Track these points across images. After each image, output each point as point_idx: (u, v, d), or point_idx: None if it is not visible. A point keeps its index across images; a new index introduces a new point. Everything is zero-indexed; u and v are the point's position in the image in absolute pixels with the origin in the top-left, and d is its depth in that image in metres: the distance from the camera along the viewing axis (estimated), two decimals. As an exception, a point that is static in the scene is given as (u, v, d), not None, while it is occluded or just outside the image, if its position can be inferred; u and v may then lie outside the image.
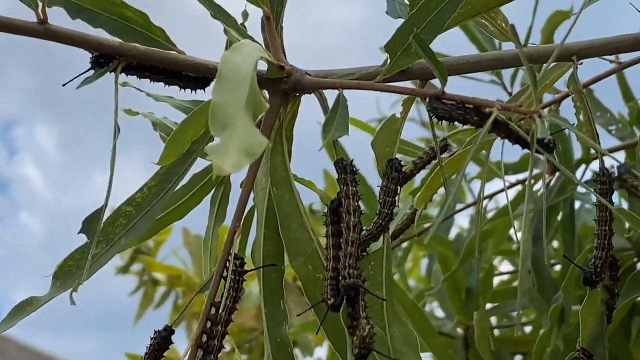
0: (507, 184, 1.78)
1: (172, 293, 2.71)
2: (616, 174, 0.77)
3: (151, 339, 0.88)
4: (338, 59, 0.85)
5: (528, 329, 1.97)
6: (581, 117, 1.01)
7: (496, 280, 2.17)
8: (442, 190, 2.02)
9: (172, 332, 0.88)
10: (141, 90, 0.97)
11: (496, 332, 1.90)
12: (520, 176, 1.79)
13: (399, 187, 0.92)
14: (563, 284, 1.34)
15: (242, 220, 0.94)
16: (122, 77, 0.86)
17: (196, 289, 0.95)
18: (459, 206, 1.87)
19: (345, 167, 0.85)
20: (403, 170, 1.19)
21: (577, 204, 1.62)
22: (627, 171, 0.72)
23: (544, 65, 0.84)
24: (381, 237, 0.93)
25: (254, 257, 0.93)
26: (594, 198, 1.55)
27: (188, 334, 2.35)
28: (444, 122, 0.82)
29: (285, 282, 1.48)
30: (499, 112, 0.78)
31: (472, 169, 2.46)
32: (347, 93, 0.87)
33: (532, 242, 1.56)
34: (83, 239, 0.88)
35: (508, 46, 1.14)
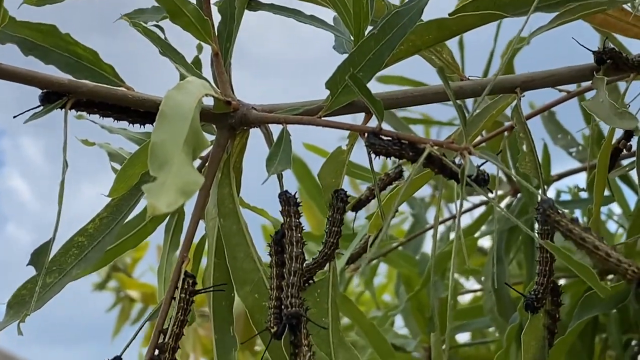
0: (471, 204, 1.82)
1: (149, 310, 2.73)
2: (540, 210, 0.80)
3: None
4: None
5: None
6: (524, 147, 1.05)
7: (467, 298, 2.21)
8: (407, 208, 2.06)
9: None
10: (95, 122, 1.00)
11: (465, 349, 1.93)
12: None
13: (344, 217, 0.95)
14: (519, 305, 1.37)
15: (194, 249, 0.97)
16: (74, 112, 0.89)
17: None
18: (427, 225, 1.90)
19: (288, 199, 0.89)
20: (358, 197, 1.23)
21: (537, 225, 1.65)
22: (551, 207, 0.75)
23: (479, 99, 0.87)
24: (327, 265, 0.96)
25: (205, 285, 0.96)
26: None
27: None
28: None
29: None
30: (431, 149, 0.81)
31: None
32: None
33: (493, 262, 1.60)
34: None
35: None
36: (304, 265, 0.89)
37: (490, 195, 0.83)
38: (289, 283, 0.85)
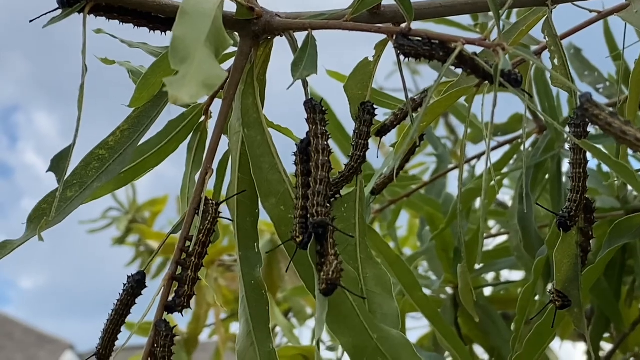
0: (495, 144, 1.78)
1: (169, 264, 2.72)
2: (578, 104, 0.77)
3: (124, 284, 0.89)
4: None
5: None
6: (555, 61, 1.02)
7: (492, 244, 2.18)
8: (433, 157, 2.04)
9: (145, 276, 0.89)
10: (115, 37, 0.97)
11: (488, 292, 1.90)
12: (509, 137, 1.79)
13: (371, 130, 0.93)
14: (547, 238, 1.34)
15: (217, 163, 0.95)
16: (93, 20, 0.87)
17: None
18: (450, 167, 1.87)
19: (314, 107, 0.86)
20: (383, 121, 1.20)
21: (565, 163, 1.62)
22: (589, 101, 0.72)
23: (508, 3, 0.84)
24: (354, 179, 0.94)
25: (229, 202, 0.93)
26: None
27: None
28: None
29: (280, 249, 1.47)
30: (463, 48, 0.78)
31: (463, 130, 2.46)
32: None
33: (519, 200, 1.57)
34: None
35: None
36: (331, 178, 0.87)
37: (525, 96, 0.79)
38: (314, 191, 0.83)
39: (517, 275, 2.06)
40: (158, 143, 0.98)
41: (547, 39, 1.01)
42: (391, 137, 1.33)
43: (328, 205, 0.83)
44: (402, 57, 0.82)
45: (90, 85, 0.83)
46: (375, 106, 0.94)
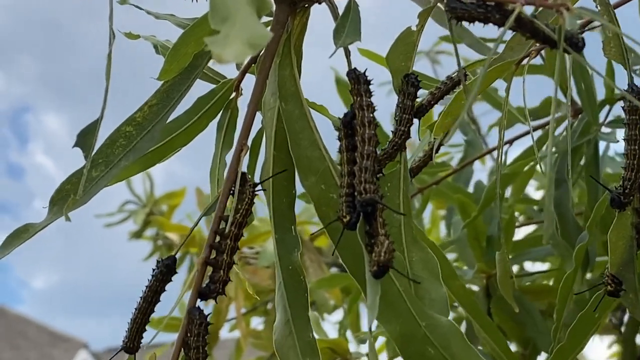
0: (528, 128, 1.72)
1: (187, 258, 2.66)
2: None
3: (153, 269, 0.84)
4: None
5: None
6: (608, 32, 0.96)
7: (520, 233, 2.11)
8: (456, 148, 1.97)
9: (176, 261, 0.84)
10: (141, 8, 0.91)
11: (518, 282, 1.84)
12: (541, 122, 1.73)
13: (414, 103, 0.87)
14: (588, 224, 1.28)
15: (250, 141, 0.89)
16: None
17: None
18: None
19: (358, 77, 0.80)
20: (420, 101, 1.14)
21: (601, 147, 1.55)
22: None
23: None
24: (398, 157, 0.88)
25: (264, 185, 0.88)
26: (619, 136, 1.49)
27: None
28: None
29: (302, 241, 1.42)
30: (522, 9, 0.72)
31: (491, 117, 2.40)
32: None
33: (555, 186, 1.50)
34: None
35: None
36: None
37: (585, 61, 0.73)
38: (361, 167, 0.76)
39: (541, 267, 2.00)
40: (187, 121, 0.92)
41: (599, 8, 0.95)
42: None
43: (376, 181, 0.77)
44: (454, 22, 0.76)
45: (119, 61, 0.77)
46: (419, 78, 0.88)
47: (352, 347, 2.04)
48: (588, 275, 1.51)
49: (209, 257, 0.81)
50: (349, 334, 2.08)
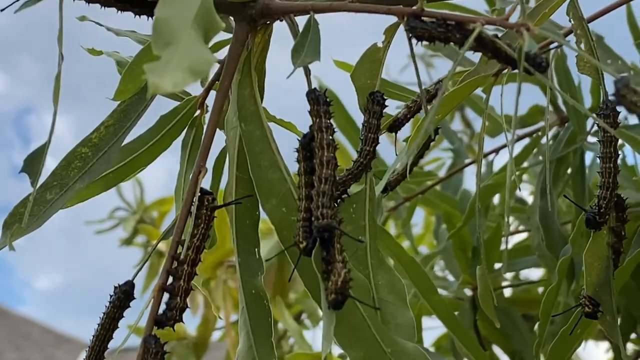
0: (514, 137, 1.69)
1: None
2: (614, 89, 0.68)
3: (110, 295, 0.81)
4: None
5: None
6: (582, 45, 0.93)
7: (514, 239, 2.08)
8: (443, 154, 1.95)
9: (134, 286, 0.81)
10: (100, 25, 0.89)
11: (507, 292, 1.81)
12: (528, 130, 1.70)
13: (381, 122, 0.85)
14: (572, 236, 1.26)
15: (214, 160, 0.87)
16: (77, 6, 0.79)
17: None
18: (466, 162, 1.78)
19: (317, 97, 0.77)
20: (395, 115, 1.11)
21: (588, 158, 1.53)
22: (626, 86, 0.64)
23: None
24: (363, 177, 0.85)
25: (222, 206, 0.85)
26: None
27: (191, 305, 2.27)
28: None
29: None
30: (482, 29, 0.70)
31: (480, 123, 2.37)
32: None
33: (540, 197, 1.48)
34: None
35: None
36: (337, 176, 0.78)
37: (550, 82, 0.71)
38: (319, 192, 0.74)
39: (536, 273, 1.97)
40: (149, 140, 0.89)
41: (572, 22, 0.93)
42: (404, 131, 1.24)
43: (334, 206, 0.75)
44: (414, 41, 0.74)
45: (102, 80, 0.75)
46: (385, 97, 0.86)
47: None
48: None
49: (166, 283, 0.79)
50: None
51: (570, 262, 1.31)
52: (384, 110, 0.86)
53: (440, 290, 1.61)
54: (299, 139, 0.78)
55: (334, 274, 0.72)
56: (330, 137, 0.76)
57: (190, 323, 2.19)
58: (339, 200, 0.83)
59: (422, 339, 1.65)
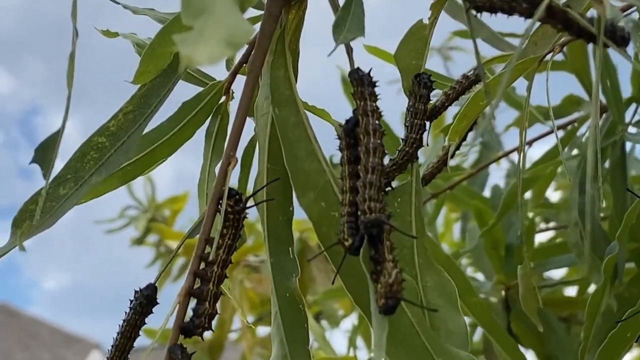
0: (548, 129, 1.61)
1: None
2: None
3: (131, 301, 0.73)
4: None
5: (572, 291, 1.80)
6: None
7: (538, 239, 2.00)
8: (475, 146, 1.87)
9: (156, 290, 0.73)
10: (117, 3, 0.81)
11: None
12: (562, 121, 1.62)
13: (427, 107, 0.76)
14: (618, 233, 1.17)
15: (242, 151, 0.79)
16: None
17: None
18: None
19: (362, 78, 0.69)
20: (433, 103, 1.03)
21: (628, 147, 1.44)
22: None
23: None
24: (409, 168, 0.77)
25: (257, 197, 0.77)
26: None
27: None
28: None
29: (308, 247, 1.30)
30: (554, -4, 0.61)
31: (507, 114, 2.30)
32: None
33: (579, 191, 1.39)
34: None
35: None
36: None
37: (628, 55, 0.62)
38: (365, 182, 0.66)
39: (557, 272, 1.89)
40: (171, 129, 0.81)
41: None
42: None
43: (383, 199, 0.66)
44: (473, 13, 0.65)
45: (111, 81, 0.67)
46: (432, 79, 0.77)
47: (364, 354, 1.94)
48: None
49: (193, 287, 0.71)
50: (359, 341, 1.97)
51: (617, 260, 1.23)
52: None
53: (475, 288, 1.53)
54: (341, 124, 0.69)
55: (384, 274, 0.64)
56: (377, 122, 0.68)
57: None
58: (383, 194, 0.75)
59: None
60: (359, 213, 0.66)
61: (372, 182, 0.66)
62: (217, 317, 2.18)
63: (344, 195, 0.68)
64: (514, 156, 1.74)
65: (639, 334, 1.05)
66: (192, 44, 0.47)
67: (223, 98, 0.83)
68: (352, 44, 0.73)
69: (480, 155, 1.71)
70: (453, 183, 1.64)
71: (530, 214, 1.77)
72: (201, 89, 0.83)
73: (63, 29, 0.70)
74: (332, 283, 0.77)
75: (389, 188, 0.76)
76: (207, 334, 0.72)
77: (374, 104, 0.68)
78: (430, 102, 1.01)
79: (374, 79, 0.69)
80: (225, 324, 2.13)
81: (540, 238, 1.93)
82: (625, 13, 0.91)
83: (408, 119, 0.76)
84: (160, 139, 0.81)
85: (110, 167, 0.73)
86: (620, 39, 0.60)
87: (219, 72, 0.85)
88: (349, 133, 0.69)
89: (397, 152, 0.77)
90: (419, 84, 0.76)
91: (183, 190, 2.64)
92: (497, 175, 2.84)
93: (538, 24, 0.65)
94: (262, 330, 2.32)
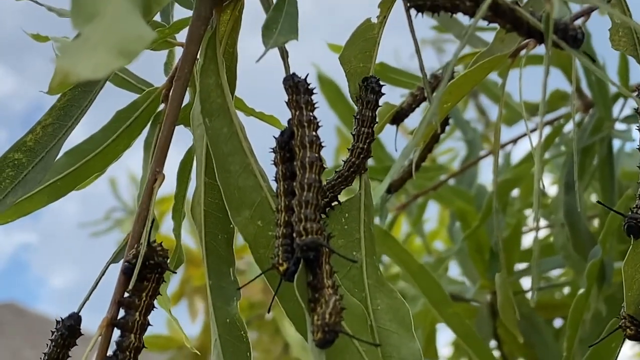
0: (532, 125, 1.54)
1: (182, 269, 2.49)
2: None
3: (52, 332, 0.67)
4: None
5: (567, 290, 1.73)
6: (617, 19, 0.79)
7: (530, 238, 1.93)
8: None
9: (80, 319, 0.67)
10: (41, 5, 0.75)
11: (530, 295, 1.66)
12: (549, 117, 1.55)
13: (376, 114, 0.70)
14: (601, 237, 1.11)
15: (179, 164, 0.73)
16: None
17: (196, 261, 0.73)
18: (481, 153, 1.63)
19: (297, 85, 0.63)
20: (399, 104, 0.97)
21: (616, 145, 1.38)
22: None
23: None
24: (357, 180, 0.71)
25: (194, 214, 0.71)
26: (635, 134, 1.32)
27: (190, 312, 2.14)
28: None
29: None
30: (499, -8, 0.55)
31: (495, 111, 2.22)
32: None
33: (565, 191, 1.33)
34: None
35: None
36: (325, 179, 0.64)
37: (581, 56, 0.56)
38: (301, 201, 0.60)
39: (553, 272, 1.82)
40: (104, 140, 0.75)
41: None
42: (413, 122, 1.09)
43: (321, 218, 0.60)
44: (413, 13, 0.59)
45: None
46: (382, 83, 0.71)
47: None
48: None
49: (117, 317, 0.64)
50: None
51: (601, 264, 1.17)
52: (381, 99, 0.72)
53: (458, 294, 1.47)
54: (275, 136, 0.63)
55: (320, 304, 0.58)
56: (314, 134, 0.62)
57: (190, 330, 2.06)
58: (327, 209, 0.69)
59: (437, 350, 1.51)
60: (294, 235, 0.60)
61: (309, 200, 0.60)
62: (202, 323, 2.12)
63: (278, 214, 0.62)
64: (505, 150, 1.68)
65: (622, 344, 0.99)
66: (73, 55, 0.41)
67: (162, 105, 0.77)
68: (316, 42, 0.67)
69: (467, 154, 1.65)
70: (437, 182, 1.57)
71: (527, 212, 1.71)
72: (137, 96, 0.76)
73: (67, 27, 0.70)
74: (268, 312, 0.71)
75: (335, 203, 0.70)
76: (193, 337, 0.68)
77: (311, 114, 0.62)
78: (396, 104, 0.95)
79: (310, 86, 0.63)
80: (210, 329, 2.07)
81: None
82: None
83: (355, 127, 0.70)
84: (93, 151, 0.75)
85: (28, 185, 0.67)
86: (571, 39, 0.54)
87: (158, 78, 0.79)
88: (284, 146, 0.63)
89: (343, 163, 0.70)
90: (366, 89, 0.70)
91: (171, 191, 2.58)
92: (488, 172, 2.77)
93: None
94: (251, 335, 2.26)
